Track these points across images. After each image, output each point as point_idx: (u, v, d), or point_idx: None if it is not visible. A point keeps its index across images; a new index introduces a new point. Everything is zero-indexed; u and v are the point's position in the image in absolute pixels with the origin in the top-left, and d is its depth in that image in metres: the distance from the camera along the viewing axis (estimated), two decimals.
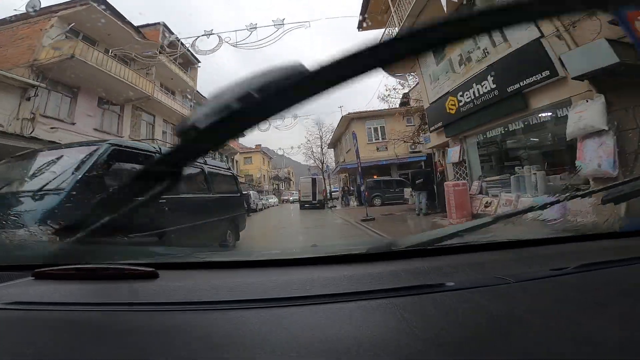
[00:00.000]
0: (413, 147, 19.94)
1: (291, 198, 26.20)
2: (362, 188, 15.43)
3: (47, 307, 0.67)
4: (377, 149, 21.23)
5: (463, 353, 0.44)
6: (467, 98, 7.76)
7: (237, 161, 33.15)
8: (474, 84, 7.48)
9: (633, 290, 0.63)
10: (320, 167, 30.89)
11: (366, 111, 21.83)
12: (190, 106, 19.96)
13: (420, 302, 0.61)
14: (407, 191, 15.40)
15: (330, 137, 29.95)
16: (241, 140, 45.22)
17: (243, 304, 0.64)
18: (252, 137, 34.81)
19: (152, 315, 0.62)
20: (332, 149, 32.24)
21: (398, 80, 18.46)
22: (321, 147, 32.36)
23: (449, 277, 0.72)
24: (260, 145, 44.81)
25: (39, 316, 0.64)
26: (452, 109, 8.38)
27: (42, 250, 1.34)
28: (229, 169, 7.45)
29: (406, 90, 18.94)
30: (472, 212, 7.55)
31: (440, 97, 9.17)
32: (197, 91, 21.06)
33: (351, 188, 20.57)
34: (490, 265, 0.83)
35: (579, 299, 0.60)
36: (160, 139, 17.46)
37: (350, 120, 22.20)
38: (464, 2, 6.99)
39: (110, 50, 13.48)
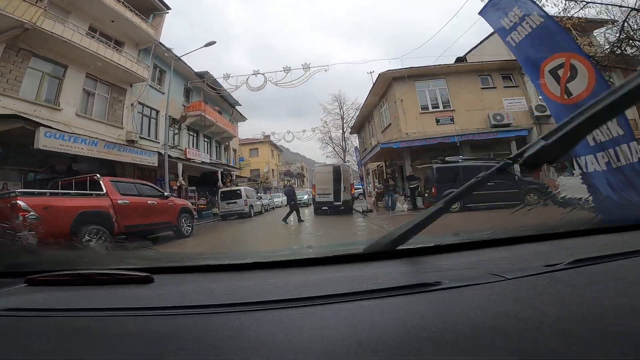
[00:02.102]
0: (497, 118, 12.30)
1: (306, 197, 18.95)
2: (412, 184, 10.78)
3: (40, 313, 0.68)
4: (438, 121, 13.64)
5: (459, 351, 0.43)
6: None
7: (235, 150, 26.10)
8: None
9: (627, 285, 0.63)
10: (342, 156, 23.55)
11: (416, 67, 14.27)
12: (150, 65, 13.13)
13: (416, 301, 0.62)
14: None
15: (356, 115, 22.50)
16: (247, 130, 39.13)
17: (239, 306, 0.64)
18: (256, 127, 27.50)
19: (148, 320, 0.62)
20: (356, 135, 24.95)
21: None
22: (342, 130, 25.02)
23: (444, 275, 0.71)
24: (269, 135, 37.49)
25: (33, 323, 0.64)
26: None
27: (35, 256, 1.33)
28: None
29: None
30: None
31: None
32: (159, 43, 14.09)
33: (391, 182, 12.94)
34: (484, 262, 0.83)
35: (573, 294, 0.60)
36: (80, 111, 10.60)
37: (390, 81, 14.73)
38: None
39: None
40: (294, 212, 10.54)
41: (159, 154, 11.97)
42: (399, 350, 0.44)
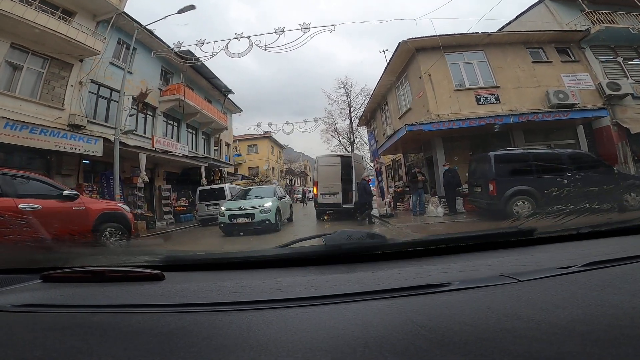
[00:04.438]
0: (560, 97, 9.12)
1: (309, 195, 15.92)
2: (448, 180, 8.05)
3: (55, 309, 0.69)
4: (478, 100, 10.46)
5: (469, 353, 0.42)
6: None
7: (229, 144, 23.06)
8: None
9: None
10: (350, 150, 20.45)
11: (447, 35, 11.09)
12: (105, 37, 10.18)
13: (426, 302, 0.61)
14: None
15: (366, 102, 19.33)
16: (247, 130, 36.17)
17: (248, 305, 0.64)
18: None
19: (159, 317, 0.62)
20: (365, 128, 21.85)
21: None
22: (350, 119, 21.86)
23: (454, 276, 0.70)
24: (269, 131, 34.33)
25: (48, 319, 0.65)
26: None
27: (50, 253, 1.32)
28: None
29: None
30: None
31: None
32: (122, 13, 11.09)
33: (420, 178, 9.60)
34: (496, 264, 0.82)
35: (587, 297, 0.57)
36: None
37: (413, 53, 11.59)
38: None
39: None
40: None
41: (106, 140, 8.95)
42: (407, 351, 0.43)
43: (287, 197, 11.53)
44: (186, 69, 14.80)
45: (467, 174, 9.16)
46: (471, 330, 0.48)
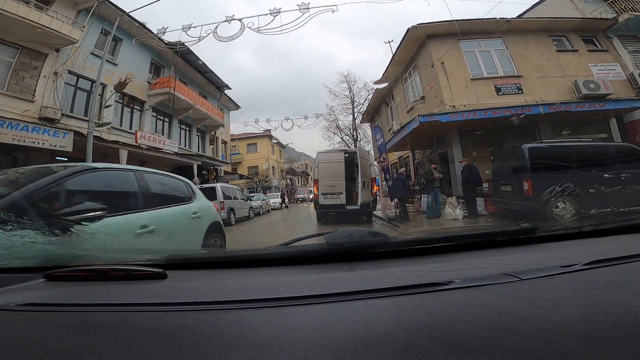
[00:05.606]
0: (591, 87, 8.09)
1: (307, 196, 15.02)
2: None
3: (58, 308, 0.68)
4: (498, 90, 9.40)
5: (471, 351, 0.42)
6: None
7: (226, 142, 22.03)
8: None
9: None
10: (353, 147, 19.38)
11: (463, 20, 10.02)
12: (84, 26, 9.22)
13: (428, 300, 0.60)
14: None
15: (369, 97, 18.29)
16: (245, 123, 34.95)
17: (250, 303, 0.64)
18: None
19: (161, 315, 0.62)
20: (368, 125, 20.78)
21: None
22: (353, 115, 20.81)
23: (455, 275, 0.70)
24: (269, 130, 33.15)
25: (51, 317, 0.64)
26: None
27: (53, 252, 1.29)
28: None
29: None
30: None
31: None
32: (105, 1, 10.10)
33: (437, 175, 8.42)
34: (498, 262, 0.81)
35: (589, 296, 0.57)
36: None
37: (423, 40, 10.55)
38: None
39: None
40: None
41: (79, 134, 7.92)
42: (409, 349, 0.43)
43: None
44: (177, 61, 13.78)
45: (487, 172, 8.11)
46: (473, 328, 0.47)
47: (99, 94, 9.96)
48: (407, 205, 8.56)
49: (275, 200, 20.98)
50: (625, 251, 0.76)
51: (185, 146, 15.71)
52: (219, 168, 18.15)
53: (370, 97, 18.29)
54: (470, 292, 0.61)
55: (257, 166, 32.78)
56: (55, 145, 7.60)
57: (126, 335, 0.54)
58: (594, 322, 0.46)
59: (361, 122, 21.87)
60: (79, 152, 7.91)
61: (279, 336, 0.49)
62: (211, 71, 17.15)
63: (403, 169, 10.13)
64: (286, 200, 23.68)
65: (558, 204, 5.49)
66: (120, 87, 9.44)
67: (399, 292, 0.63)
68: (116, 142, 9.29)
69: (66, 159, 8.73)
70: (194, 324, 0.55)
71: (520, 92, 9.25)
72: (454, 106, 9.05)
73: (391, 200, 9.32)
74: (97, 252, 1.31)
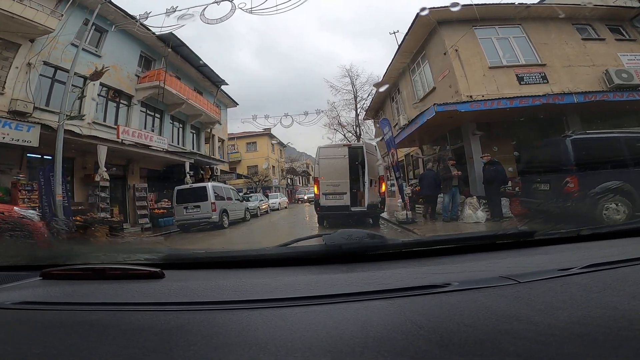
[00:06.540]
0: (623, 76, 7.15)
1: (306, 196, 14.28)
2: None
3: (55, 307, 0.67)
4: (521, 79, 8.45)
5: (468, 353, 0.42)
6: None
7: (223, 140, 21.12)
8: None
9: None
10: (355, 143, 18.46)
11: (479, 5, 9.06)
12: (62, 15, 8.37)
13: (425, 303, 0.60)
14: None
15: (373, 91, 17.36)
16: (245, 122, 34.02)
17: (248, 304, 0.63)
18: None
19: (158, 315, 0.61)
20: (372, 120, 19.86)
21: None
22: (355, 111, 19.87)
23: (453, 277, 0.70)
24: (269, 128, 32.13)
25: (47, 316, 0.64)
26: None
27: (50, 250, 1.30)
28: None
29: None
30: None
31: None
32: None
33: (456, 172, 7.41)
34: (496, 265, 0.82)
35: (586, 299, 0.57)
36: None
37: (435, 27, 9.62)
38: None
39: None
40: None
41: (47, 128, 7.00)
42: (406, 351, 0.43)
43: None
44: (167, 53, 12.87)
45: (510, 169, 7.18)
46: (470, 330, 0.48)
47: (79, 87, 9.09)
48: (428, 205, 7.73)
49: (275, 200, 20.08)
50: (623, 255, 0.76)
51: (179, 144, 14.81)
52: (215, 167, 17.25)
53: (373, 91, 17.36)
54: (468, 294, 0.60)
55: (256, 165, 31.92)
56: (18, 140, 6.70)
57: (122, 334, 0.54)
58: (591, 325, 0.46)
59: (364, 118, 20.94)
60: (48, 147, 7.00)
61: (276, 337, 0.49)
62: (206, 65, 16.23)
63: (430, 164, 9.28)
64: (286, 201, 22.76)
65: (609, 205, 4.55)
66: (95, 76, 8.55)
67: (396, 294, 0.62)
68: (94, 137, 8.39)
69: (39, 156, 7.86)
70: (191, 324, 0.55)
71: (546, 81, 8.34)
72: (470, 96, 8.12)
73: (420, 198, 8.48)
74: (94, 250, 1.34)
